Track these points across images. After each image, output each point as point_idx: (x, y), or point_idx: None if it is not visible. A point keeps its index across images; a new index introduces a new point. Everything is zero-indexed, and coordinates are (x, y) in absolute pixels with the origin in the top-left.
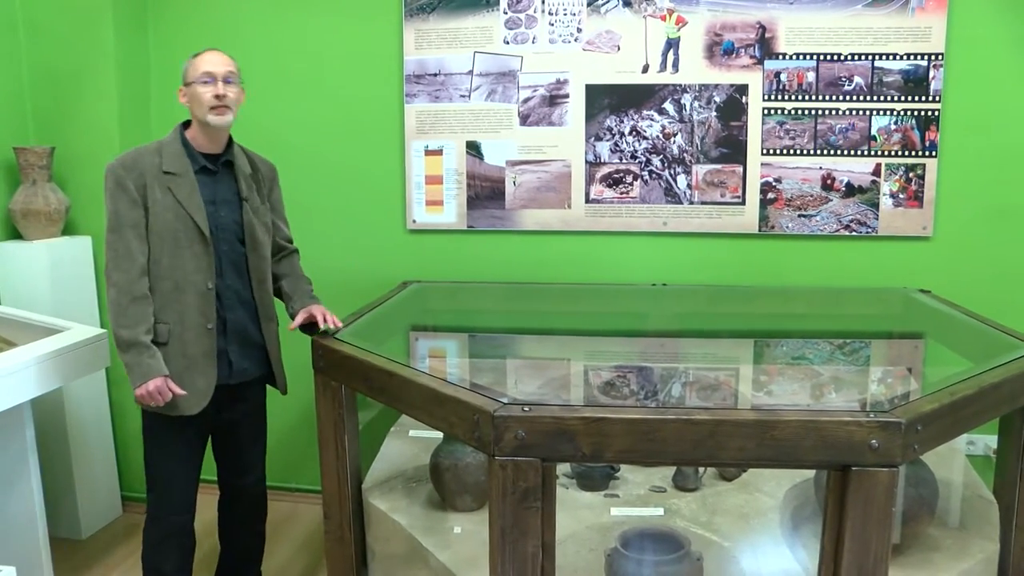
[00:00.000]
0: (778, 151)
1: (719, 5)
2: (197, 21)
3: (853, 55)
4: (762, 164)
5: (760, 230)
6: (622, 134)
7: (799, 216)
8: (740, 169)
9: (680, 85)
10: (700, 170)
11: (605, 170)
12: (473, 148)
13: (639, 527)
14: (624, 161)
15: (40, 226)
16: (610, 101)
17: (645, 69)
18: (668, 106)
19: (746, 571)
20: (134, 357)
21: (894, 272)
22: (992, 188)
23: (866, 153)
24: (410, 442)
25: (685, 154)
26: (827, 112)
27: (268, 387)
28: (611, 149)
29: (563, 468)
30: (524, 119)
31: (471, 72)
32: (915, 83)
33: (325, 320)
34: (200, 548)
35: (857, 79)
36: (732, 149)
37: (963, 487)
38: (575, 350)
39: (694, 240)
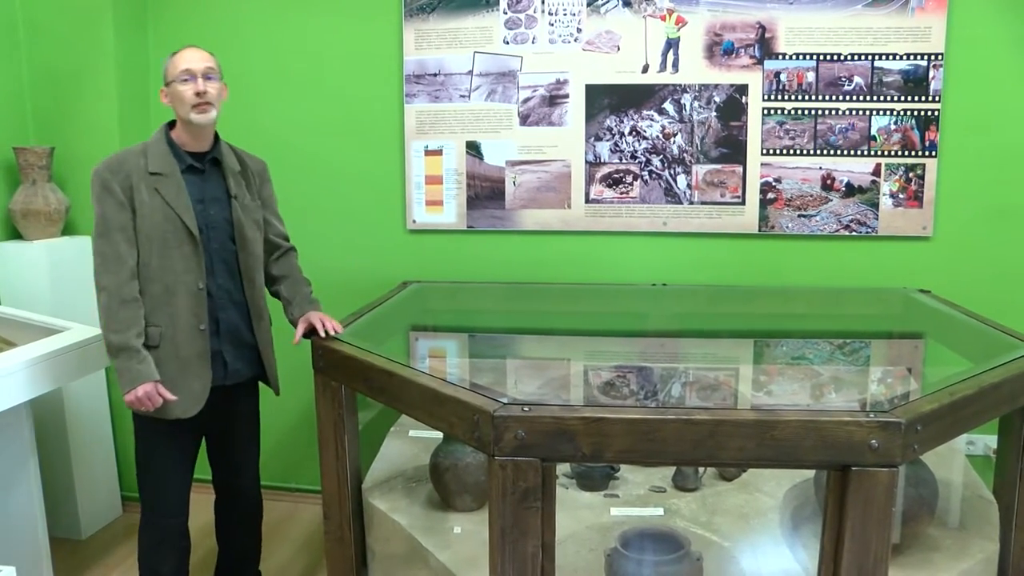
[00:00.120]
0: (778, 151)
1: (719, 5)
2: (197, 21)
3: (853, 55)
4: (762, 164)
5: (760, 230)
6: (622, 134)
7: (799, 216)
8: (740, 169)
9: (680, 85)
10: (700, 170)
11: (605, 170)
12: (473, 148)
13: (639, 527)
14: (624, 161)
15: (40, 226)
16: (610, 101)
17: (645, 69)
18: (668, 106)
19: (746, 571)
20: (124, 362)
21: (894, 272)
22: (992, 188)
23: (866, 153)
24: (410, 442)
25: (685, 154)
26: (827, 112)
27: (262, 388)
28: (611, 149)
29: (563, 468)
30: (524, 119)
31: (471, 72)
32: (915, 83)
33: (324, 327)
34: (200, 548)
35: (857, 79)
36: (732, 149)
37: (963, 487)
38: (575, 350)
39: (694, 240)
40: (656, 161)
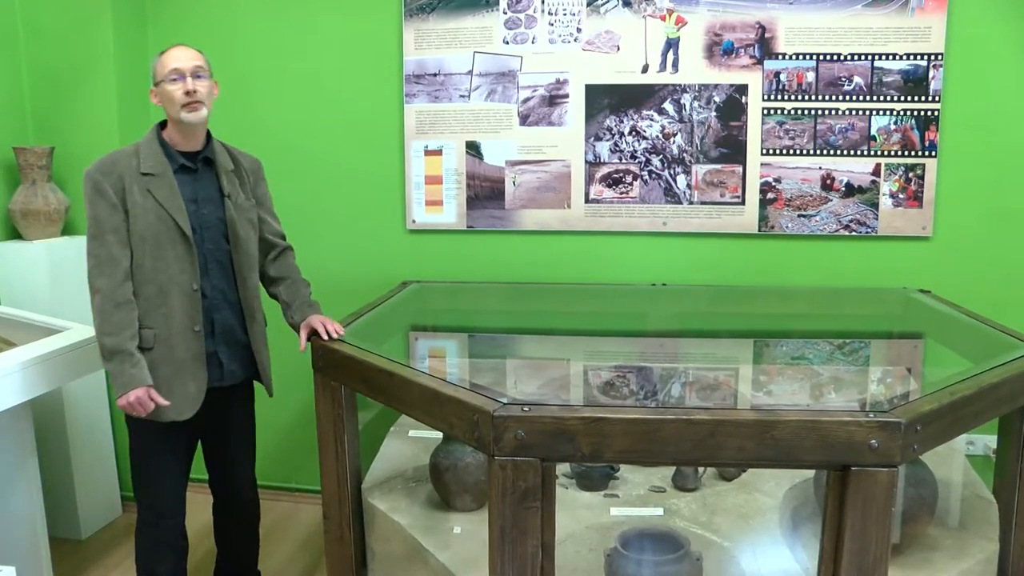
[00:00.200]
0: (778, 151)
1: (719, 5)
2: (196, 21)
3: (853, 55)
4: (762, 164)
5: (760, 230)
6: (622, 134)
7: (799, 216)
8: (740, 169)
9: (680, 85)
10: (700, 170)
11: (605, 170)
12: (473, 148)
13: (639, 527)
14: (624, 161)
15: (40, 226)
16: (610, 101)
17: (645, 69)
18: (668, 106)
19: (746, 571)
20: (117, 366)
21: (894, 272)
22: (992, 188)
23: (866, 153)
24: (410, 442)
25: (685, 154)
26: (827, 112)
27: (257, 389)
28: (611, 149)
29: (563, 468)
30: (524, 119)
31: (471, 72)
32: (915, 83)
33: (326, 330)
34: (199, 549)
35: (857, 79)
36: (732, 149)
37: (963, 487)
38: (575, 350)
39: (694, 240)
40: (656, 161)
